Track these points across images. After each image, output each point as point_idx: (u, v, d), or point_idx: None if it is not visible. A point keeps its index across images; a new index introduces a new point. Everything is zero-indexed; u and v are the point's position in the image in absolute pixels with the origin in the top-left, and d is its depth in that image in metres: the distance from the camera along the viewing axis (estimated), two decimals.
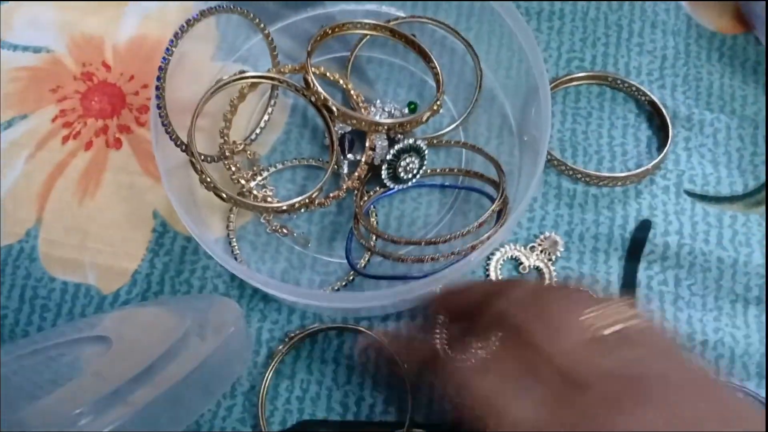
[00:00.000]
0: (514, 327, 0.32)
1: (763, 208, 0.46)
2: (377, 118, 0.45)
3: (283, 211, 0.43)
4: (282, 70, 0.46)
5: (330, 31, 0.45)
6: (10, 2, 0.51)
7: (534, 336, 0.31)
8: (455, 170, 0.46)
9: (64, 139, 0.47)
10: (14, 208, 0.46)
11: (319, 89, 0.43)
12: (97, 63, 0.49)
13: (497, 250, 0.45)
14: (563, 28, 0.50)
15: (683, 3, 0.51)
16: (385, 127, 0.43)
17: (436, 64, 0.45)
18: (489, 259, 0.44)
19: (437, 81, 0.44)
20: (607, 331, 0.31)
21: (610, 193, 0.46)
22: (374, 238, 0.44)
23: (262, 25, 0.46)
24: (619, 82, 0.48)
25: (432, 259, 0.42)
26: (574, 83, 0.49)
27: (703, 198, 0.46)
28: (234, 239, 0.45)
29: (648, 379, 0.29)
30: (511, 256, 0.44)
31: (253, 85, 0.47)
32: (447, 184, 0.47)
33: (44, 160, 0.47)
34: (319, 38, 0.45)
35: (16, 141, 0.47)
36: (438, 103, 0.44)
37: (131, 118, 0.48)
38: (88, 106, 0.48)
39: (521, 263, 0.44)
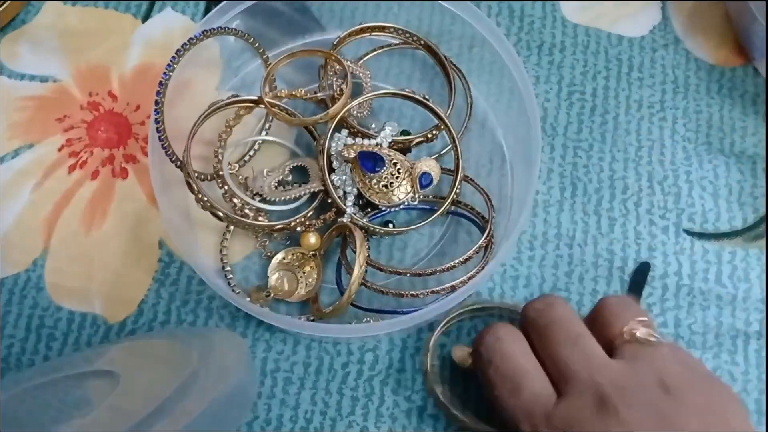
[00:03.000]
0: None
1: (762, 241, 0.46)
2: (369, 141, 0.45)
3: (280, 230, 0.44)
4: (278, 94, 0.46)
5: (356, 33, 0.47)
6: (13, 30, 0.52)
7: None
8: (445, 199, 0.44)
9: (71, 169, 0.48)
10: (21, 237, 0.46)
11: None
12: (103, 93, 0.50)
13: None
14: (564, 61, 0.51)
15: (681, 37, 0.52)
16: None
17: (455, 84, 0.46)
18: None
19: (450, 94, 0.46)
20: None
21: (609, 233, 0.47)
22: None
23: (261, 50, 0.47)
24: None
25: (412, 295, 0.42)
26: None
27: (702, 236, 0.47)
28: (227, 264, 0.45)
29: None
30: None
31: (249, 108, 0.48)
32: (437, 208, 0.46)
33: (51, 190, 0.47)
34: (347, 36, 0.47)
35: (22, 170, 0.48)
36: (434, 132, 0.45)
37: (137, 147, 0.48)
38: (95, 135, 0.49)
39: None
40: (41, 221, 0.47)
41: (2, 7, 0.50)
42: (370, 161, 0.43)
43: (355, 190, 0.44)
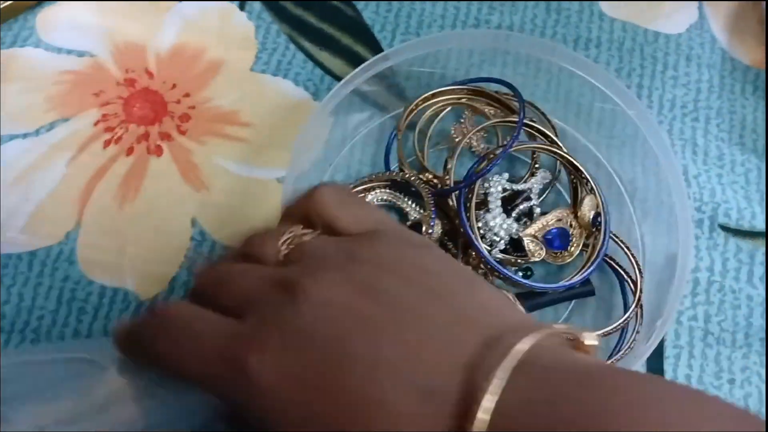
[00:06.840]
0: None
1: None
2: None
3: None
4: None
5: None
6: (51, 4, 0.52)
7: None
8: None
9: (106, 144, 0.48)
10: (54, 210, 0.46)
11: None
12: (140, 70, 0.50)
13: None
14: (599, 57, 0.51)
15: (718, 36, 0.52)
16: None
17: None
18: None
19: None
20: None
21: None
22: None
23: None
24: None
25: None
26: None
27: (738, 232, 0.47)
28: None
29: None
30: None
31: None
32: None
33: (85, 164, 0.48)
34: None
35: (58, 144, 0.48)
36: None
37: (173, 126, 0.49)
38: (130, 111, 0.49)
39: None
40: (75, 195, 0.47)
41: None
42: (561, 240, 0.43)
43: (506, 236, 0.43)
